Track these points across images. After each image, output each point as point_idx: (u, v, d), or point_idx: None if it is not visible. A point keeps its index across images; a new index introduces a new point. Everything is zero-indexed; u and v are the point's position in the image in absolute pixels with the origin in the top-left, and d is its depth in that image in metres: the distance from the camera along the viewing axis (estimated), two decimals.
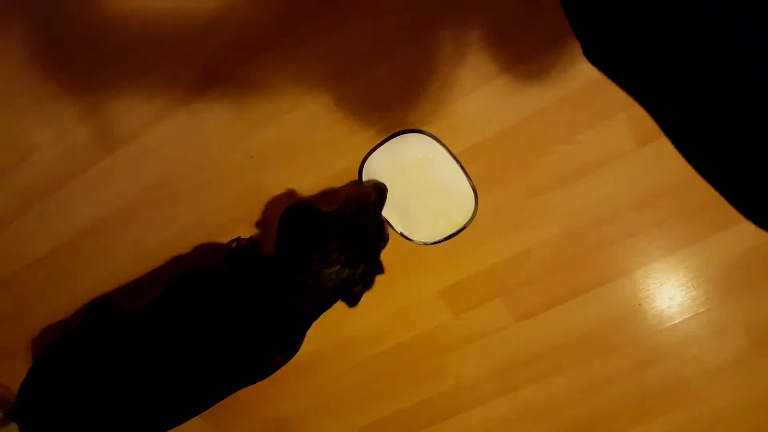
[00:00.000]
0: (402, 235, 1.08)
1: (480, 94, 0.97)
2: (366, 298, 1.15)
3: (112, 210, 1.09)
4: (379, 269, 0.99)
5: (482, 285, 1.15)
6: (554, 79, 0.96)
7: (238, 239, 1.10)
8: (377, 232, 0.98)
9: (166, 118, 1.01)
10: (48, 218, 1.10)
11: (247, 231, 1.10)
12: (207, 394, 1.01)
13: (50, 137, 1.03)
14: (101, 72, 0.98)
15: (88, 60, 0.97)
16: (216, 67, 0.97)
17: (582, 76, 0.95)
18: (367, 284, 0.98)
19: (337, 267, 0.91)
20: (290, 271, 0.91)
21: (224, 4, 0.91)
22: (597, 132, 1.00)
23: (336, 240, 0.90)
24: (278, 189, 1.07)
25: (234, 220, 1.10)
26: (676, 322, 1.18)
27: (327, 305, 0.96)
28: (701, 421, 1.26)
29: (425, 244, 1.09)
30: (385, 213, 1.05)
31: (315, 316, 0.97)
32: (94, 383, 1.00)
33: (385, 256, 1.11)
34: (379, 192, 1.01)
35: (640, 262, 1.12)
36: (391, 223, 1.07)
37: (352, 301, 0.98)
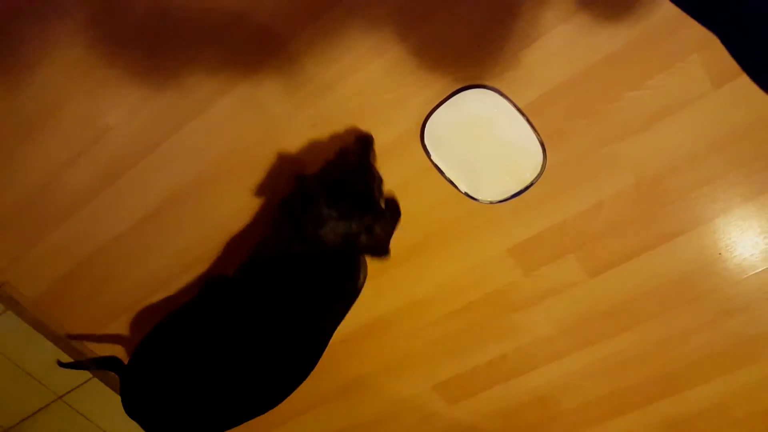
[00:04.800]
0: (467, 194, 1.07)
1: (543, 43, 0.94)
2: (435, 258, 1.17)
3: (184, 184, 1.13)
4: (378, 214, 0.98)
5: (553, 241, 1.13)
6: (619, 24, 0.92)
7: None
8: (362, 177, 0.97)
9: (229, 93, 1.03)
10: (123, 196, 1.15)
11: None
12: (298, 369, 1.07)
13: (120, 118, 1.07)
14: (162, 52, 1.00)
15: (148, 42, 0.99)
16: (275, 36, 0.97)
17: (650, 17, 0.90)
18: (370, 231, 0.96)
19: (331, 224, 0.92)
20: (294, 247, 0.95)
21: None
22: (669, 75, 0.95)
23: (322, 198, 0.92)
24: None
25: None
26: (759, 270, 1.13)
27: (350, 266, 0.99)
28: None
29: (492, 202, 1.07)
30: (450, 173, 1.05)
31: (353, 279, 1.01)
32: (205, 358, 1.05)
33: (451, 215, 1.11)
34: (358, 141, 1.01)
35: (719, 209, 1.07)
36: (456, 183, 1.06)
37: (375, 251, 0.99)
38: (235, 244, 1.19)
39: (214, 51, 1.00)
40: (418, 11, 0.93)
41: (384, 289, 1.22)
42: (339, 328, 1.18)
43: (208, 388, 1.04)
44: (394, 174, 1.08)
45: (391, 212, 1.07)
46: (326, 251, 0.95)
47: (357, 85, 1.01)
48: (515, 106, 0.99)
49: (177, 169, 1.12)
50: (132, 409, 1.09)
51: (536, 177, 1.04)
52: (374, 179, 1.00)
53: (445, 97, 1.00)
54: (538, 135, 1.00)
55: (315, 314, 1.03)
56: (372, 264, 1.17)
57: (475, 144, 1.02)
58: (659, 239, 1.11)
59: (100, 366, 1.23)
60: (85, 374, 1.42)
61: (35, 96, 1.06)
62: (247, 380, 1.04)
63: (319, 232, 0.93)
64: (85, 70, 1.02)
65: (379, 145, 1.05)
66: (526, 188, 1.05)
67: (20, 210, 1.19)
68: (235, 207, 1.15)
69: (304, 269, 0.98)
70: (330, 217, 0.92)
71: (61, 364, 1.27)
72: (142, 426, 1.10)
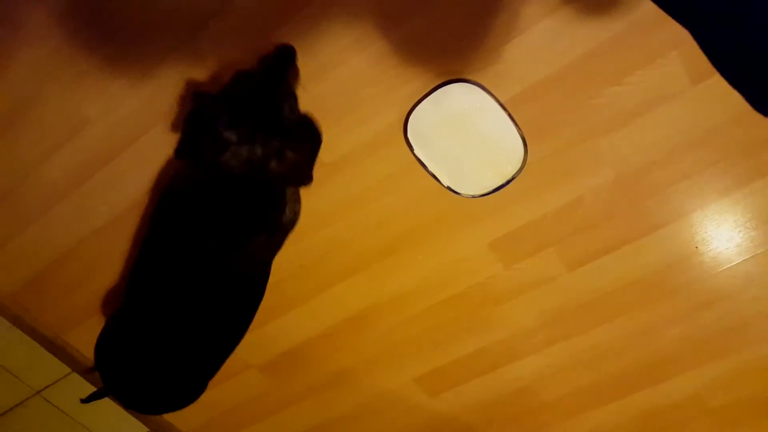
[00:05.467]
0: (449, 188, 1.07)
1: (524, 38, 0.95)
2: (417, 252, 1.17)
3: (163, 178, 1.12)
4: (288, 137, 0.87)
5: (534, 235, 1.14)
6: (600, 20, 0.93)
7: None
8: (270, 95, 0.87)
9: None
10: (102, 190, 1.14)
11: None
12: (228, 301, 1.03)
13: (100, 110, 1.05)
14: (143, 43, 0.99)
15: (128, 32, 0.98)
16: (256, 29, 0.96)
17: (630, 14, 0.91)
18: (280, 156, 0.86)
19: (232, 149, 0.83)
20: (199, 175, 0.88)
21: None
22: (649, 72, 0.96)
23: (222, 118, 0.83)
24: (324, 148, 1.06)
25: None
26: (734, 263, 1.15)
27: (269, 195, 0.90)
28: (762, 361, 1.24)
29: (473, 196, 1.08)
30: (432, 167, 1.05)
31: (275, 210, 0.93)
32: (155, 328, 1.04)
33: (433, 209, 1.12)
34: (272, 58, 0.92)
35: (696, 204, 1.09)
36: (438, 177, 1.06)
37: (291, 179, 0.91)
38: None
39: (194, 44, 0.98)
40: (400, 6, 0.93)
41: (365, 284, 1.22)
42: (320, 323, 1.18)
43: (170, 344, 1.04)
44: (376, 168, 1.08)
45: (308, 134, 0.95)
46: (233, 179, 0.86)
47: (338, 80, 1.00)
48: (497, 100, 0.99)
49: (157, 162, 1.10)
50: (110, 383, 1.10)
51: (517, 171, 1.05)
52: (286, 97, 0.90)
53: (427, 91, 1.00)
54: (520, 130, 1.01)
55: (234, 246, 0.96)
56: (353, 258, 1.18)
57: (458, 138, 1.03)
58: (637, 233, 1.13)
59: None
60: (64, 369, 1.41)
61: (12, 88, 1.04)
62: (200, 326, 1.03)
63: (219, 159, 0.83)
64: (64, 61, 1.01)
65: (361, 140, 1.05)
66: (508, 182, 1.05)
67: None
68: None
69: (211, 199, 0.90)
70: (230, 140, 0.82)
71: (84, 400, 1.21)
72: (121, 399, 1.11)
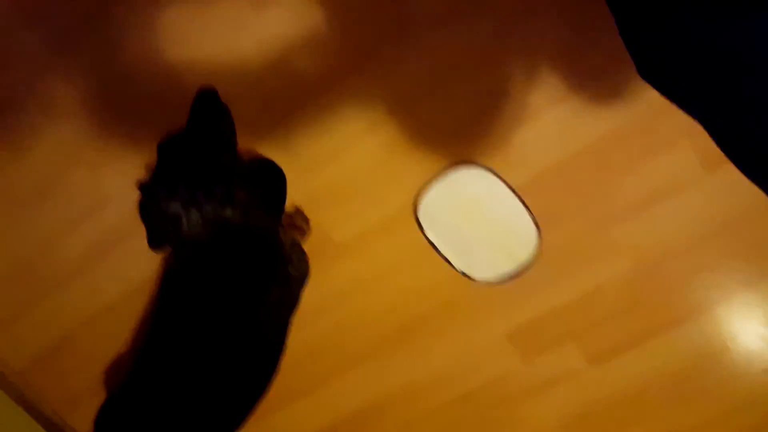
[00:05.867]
0: (463, 273, 1.06)
1: (534, 125, 0.96)
2: (431, 339, 1.14)
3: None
4: (228, 181, 0.81)
5: (552, 326, 1.10)
6: (611, 108, 0.94)
7: None
8: (200, 149, 0.82)
9: None
10: (119, 266, 1.15)
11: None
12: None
13: (120, 188, 1.08)
14: (162, 124, 1.02)
15: (148, 114, 1.02)
16: (272, 113, 1.00)
17: (639, 102, 0.93)
18: (231, 201, 0.80)
19: (183, 220, 0.80)
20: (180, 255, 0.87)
21: (282, 48, 0.96)
22: (660, 160, 0.96)
23: (161, 193, 0.81)
24: (335, 229, 1.08)
25: None
26: (766, 361, 1.08)
27: (260, 250, 0.86)
28: None
29: (489, 283, 1.06)
30: (445, 250, 1.04)
31: (266, 259, 0.88)
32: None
33: (446, 294, 1.10)
34: (191, 107, 0.86)
35: (720, 296, 1.05)
36: (451, 261, 1.05)
37: (261, 223, 0.84)
38: None
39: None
40: (411, 92, 0.97)
41: (376, 373, 1.18)
42: (327, 415, 1.13)
43: (184, 402, 0.98)
44: (388, 250, 1.08)
45: (258, 170, 0.89)
46: (221, 244, 0.82)
47: (350, 162, 1.02)
48: (508, 185, 1.00)
49: None
50: None
51: (532, 258, 1.03)
52: (223, 148, 0.84)
53: (438, 175, 1.01)
54: (533, 215, 1.01)
55: (246, 307, 0.92)
56: (363, 344, 1.15)
57: (470, 222, 1.03)
58: (661, 327, 1.08)
59: None
60: None
61: (38, 163, 1.08)
62: (213, 395, 0.97)
63: (181, 235, 0.80)
64: (88, 140, 1.05)
65: (372, 221, 1.06)
66: (522, 268, 1.04)
67: (13, 278, 1.19)
68: None
69: (212, 269, 0.87)
70: (176, 212, 0.79)
71: None
72: None
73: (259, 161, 0.91)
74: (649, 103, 0.93)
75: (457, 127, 0.99)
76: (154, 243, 0.89)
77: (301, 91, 0.98)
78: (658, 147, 0.96)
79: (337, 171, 1.03)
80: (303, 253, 1.01)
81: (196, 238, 0.82)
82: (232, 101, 0.99)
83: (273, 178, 0.88)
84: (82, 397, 1.28)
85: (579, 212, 1.02)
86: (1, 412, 1.29)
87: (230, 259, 0.87)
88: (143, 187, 0.87)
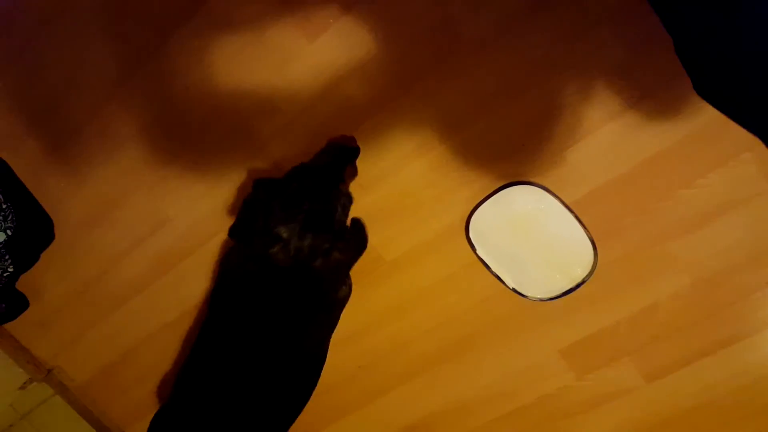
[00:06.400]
0: (515, 290, 1.04)
1: (588, 142, 0.95)
2: (481, 356, 1.13)
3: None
4: (337, 237, 0.87)
5: (607, 343, 1.08)
6: (666, 123, 0.92)
7: None
8: (325, 192, 0.88)
9: None
10: (177, 285, 1.19)
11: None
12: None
13: (179, 211, 1.12)
14: (219, 151, 1.06)
15: (206, 142, 1.06)
16: (325, 137, 1.01)
17: (699, 115, 0.90)
18: (327, 255, 0.86)
19: (281, 243, 0.83)
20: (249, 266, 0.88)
21: (333, 75, 0.97)
22: (721, 173, 0.94)
23: (276, 213, 0.83)
24: (386, 247, 1.08)
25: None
26: None
27: (308, 293, 0.89)
28: None
29: (542, 300, 1.05)
30: (496, 268, 1.03)
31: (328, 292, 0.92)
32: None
33: (497, 312, 1.09)
34: (330, 148, 0.92)
35: None
36: (503, 278, 1.04)
37: (330, 278, 0.89)
38: None
39: (266, 152, 1.05)
40: (460, 113, 0.97)
41: (425, 390, 1.18)
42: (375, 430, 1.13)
43: (230, 412, 1.00)
44: (438, 267, 1.08)
45: (355, 237, 0.97)
46: (280, 271, 0.87)
47: (400, 182, 1.03)
48: (562, 202, 0.98)
49: None
50: None
51: (588, 275, 1.01)
52: (341, 197, 0.90)
53: (489, 193, 1.00)
54: (588, 232, 0.99)
55: (292, 330, 0.95)
56: (413, 361, 1.15)
57: (522, 240, 1.01)
58: (719, 343, 1.05)
59: None
60: None
61: (103, 187, 1.12)
62: (256, 408, 0.99)
63: (268, 252, 0.84)
64: (149, 166, 1.09)
65: (422, 239, 1.06)
66: (578, 286, 1.02)
67: (76, 296, 1.24)
68: None
69: (263, 290, 0.90)
70: (280, 235, 0.83)
71: None
72: None
73: (360, 227, 0.98)
74: (706, 119, 0.90)
75: (508, 146, 0.98)
76: (235, 234, 0.92)
77: (351, 115, 0.99)
78: (717, 161, 0.94)
79: (388, 191, 1.04)
80: (348, 277, 1.02)
81: (277, 262, 0.86)
82: (285, 127, 1.01)
83: (361, 250, 0.95)
84: (141, 410, 1.32)
85: (636, 227, 1.00)
86: (66, 424, 1.34)
87: (289, 287, 0.91)
88: (259, 188, 0.91)
